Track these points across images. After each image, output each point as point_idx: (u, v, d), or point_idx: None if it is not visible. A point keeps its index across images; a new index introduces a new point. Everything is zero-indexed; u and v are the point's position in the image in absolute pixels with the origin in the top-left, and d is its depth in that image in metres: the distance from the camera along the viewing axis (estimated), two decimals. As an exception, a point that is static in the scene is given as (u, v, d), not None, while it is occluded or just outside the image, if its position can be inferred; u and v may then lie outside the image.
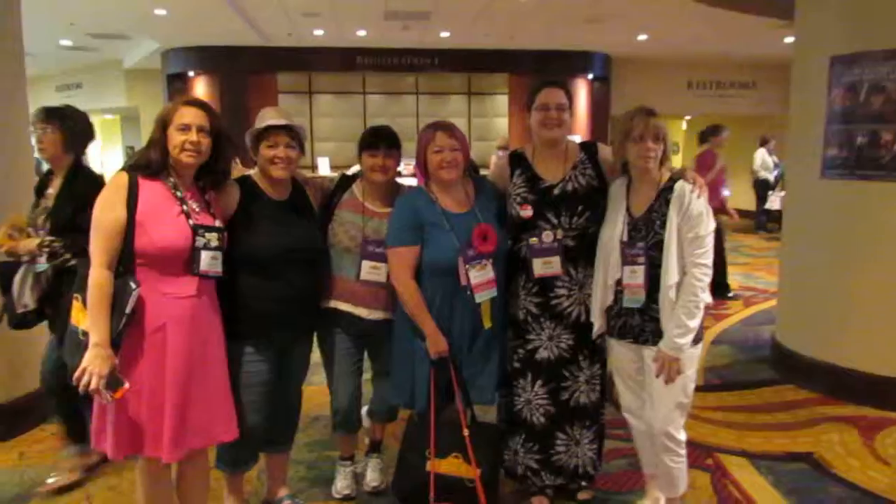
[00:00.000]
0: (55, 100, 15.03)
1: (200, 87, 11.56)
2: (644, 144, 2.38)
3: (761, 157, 11.23)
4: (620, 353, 2.58)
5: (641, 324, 2.46)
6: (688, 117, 14.93)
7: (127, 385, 2.07)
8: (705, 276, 2.36)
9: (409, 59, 11.81)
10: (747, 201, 11.73)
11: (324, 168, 10.48)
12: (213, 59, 11.31)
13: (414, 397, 2.62)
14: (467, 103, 13.89)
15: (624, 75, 12.43)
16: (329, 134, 13.29)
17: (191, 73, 11.55)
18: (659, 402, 2.44)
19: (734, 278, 7.25)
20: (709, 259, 2.37)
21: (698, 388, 3.35)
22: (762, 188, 11.24)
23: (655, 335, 2.43)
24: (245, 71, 11.36)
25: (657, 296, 2.40)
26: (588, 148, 2.69)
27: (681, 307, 2.35)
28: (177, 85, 11.60)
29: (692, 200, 2.37)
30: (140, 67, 12.40)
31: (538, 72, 11.13)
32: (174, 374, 2.15)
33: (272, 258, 2.42)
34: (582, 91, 12.20)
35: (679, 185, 2.41)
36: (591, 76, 12.21)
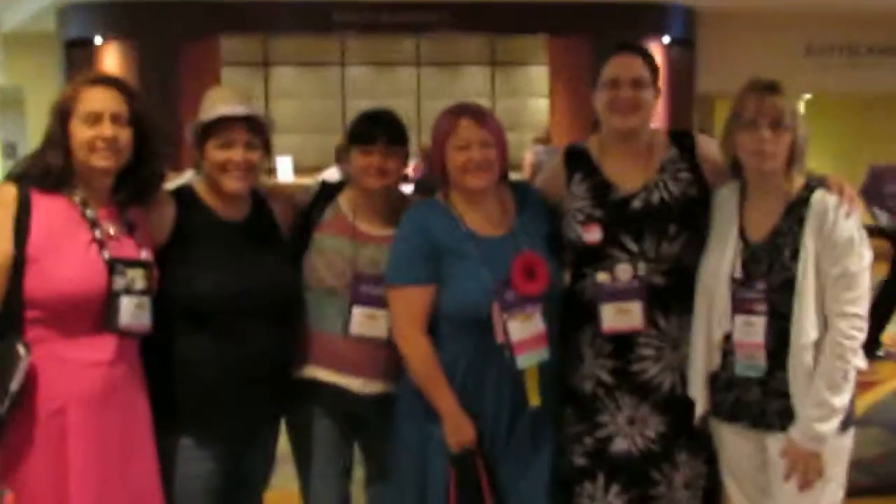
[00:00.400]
0: None
1: (111, 59, 11.72)
2: (757, 133, 2.35)
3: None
4: (733, 444, 2.53)
5: (762, 400, 2.41)
6: (807, 96, 14.95)
7: (11, 495, 2.07)
8: (858, 331, 2.32)
9: (408, 16, 11.94)
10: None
11: (285, 172, 10.53)
12: (130, 18, 11.49)
13: (425, 511, 2.57)
14: (490, 78, 14.03)
15: (714, 37, 12.50)
16: (292, 122, 13.39)
17: (98, 40, 11.73)
18: None
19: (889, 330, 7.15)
20: (863, 307, 2.34)
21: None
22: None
23: (783, 417, 2.38)
24: (175, 35, 11.52)
25: (785, 360, 2.36)
26: (681, 141, 2.68)
27: (822, 378, 2.31)
28: (79, 56, 11.75)
29: (838, 220, 2.33)
30: (25, 31, 12.57)
31: (590, 33, 11.19)
32: (81, 480, 2.14)
33: (221, 307, 2.41)
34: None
35: (818, 196, 2.38)
36: (666, 39, 12.27)
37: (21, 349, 2.07)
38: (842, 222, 2.33)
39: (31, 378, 2.10)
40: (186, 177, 2.70)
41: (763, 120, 2.35)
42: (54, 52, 12.16)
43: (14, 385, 2.05)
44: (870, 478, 4.18)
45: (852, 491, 3.05)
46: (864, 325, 2.34)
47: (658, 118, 11.98)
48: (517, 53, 13.69)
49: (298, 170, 10.56)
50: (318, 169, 8.56)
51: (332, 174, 8.54)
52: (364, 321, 2.59)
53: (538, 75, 13.58)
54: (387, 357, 2.60)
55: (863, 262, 2.34)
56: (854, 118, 14.91)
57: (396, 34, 12.48)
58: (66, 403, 2.14)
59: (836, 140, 14.59)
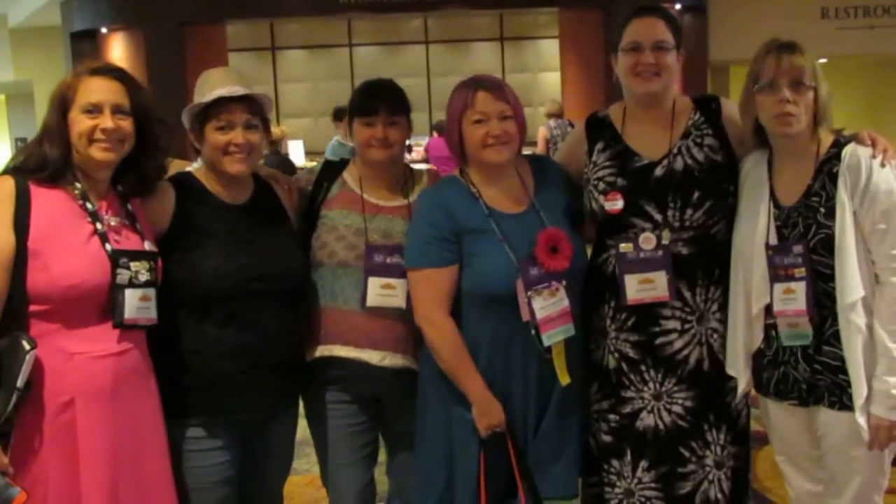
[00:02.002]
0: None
1: (118, 49, 11.72)
2: (778, 94, 2.30)
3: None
4: (782, 420, 2.50)
5: (811, 375, 2.36)
6: (823, 60, 14.74)
7: (24, 495, 2.04)
8: None
9: (415, -6, 11.86)
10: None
11: (296, 155, 10.50)
12: (135, 7, 11.45)
13: (453, 495, 2.56)
14: (500, 53, 13.98)
15: (727, 3, 12.34)
16: (302, 106, 13.43)
17: (103, 30, 11.74)
18: (848, 485, 2.37)
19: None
20: None
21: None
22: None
23: (833, 392, 2.33)
24: (180, 22, 11.46)
25: (831, 330, 2.31)
26: (706, 106, 2.63)
27: (886, 333, 2.25)
28: (85, 47, 11.75)
29: (873, 171, 2.28)
30: (32, 25, 12.60)
31: (601, 4, 11.06)
32: (92, 474, 2.13)
33: (227, 292, 2.38)
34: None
35: (850, 150, 2.32)
36: (678, 6, 12.13)
37: (26, 344, 2.06)
38: (878, 173, 2.28)
39: (37, 373, 2.08)
40: (195, 166, 2.66)
41: (783, 80, 2.30)
42: (61, 44, 12.15)
43: (21, 380, 2.03)
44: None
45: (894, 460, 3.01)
46: None
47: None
48: (527, 28, 13.61)
49: (309, 153, 10.52)
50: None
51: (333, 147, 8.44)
52: (380, 292, 2.56)
53: (549, 49, 13.46)
54: (405, 330, 2.58)
55: None
56: (872, 81, 14.75)
57: (404, 13, 12.40)
58: (74, 397, 2.13)
59: (854, 104, 14.43)
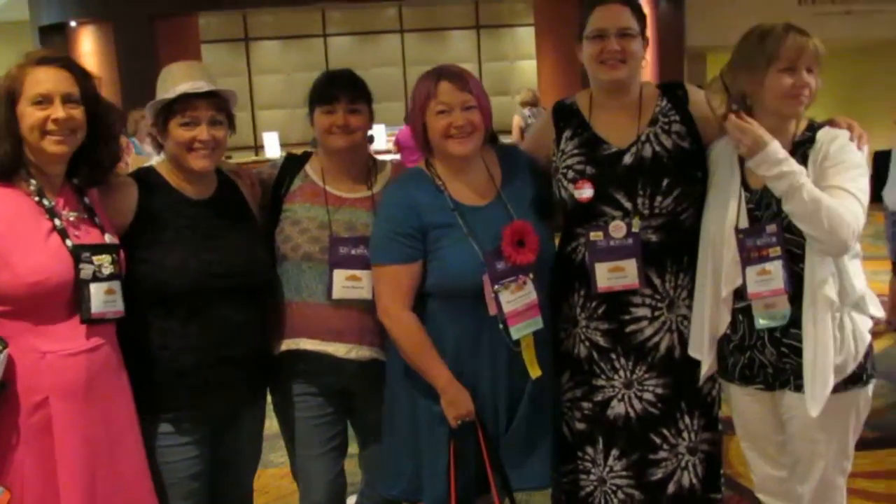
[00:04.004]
0: None
1: (87, 43, 11.66)
2: (798, 77, 2.29)
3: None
4: (747, 405, 2.51)
5: (778, 359, 2.37)
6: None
7: (7, 494, 2.07)
8: (854, 216, 2.22)
9: (388, -18, 11.83)
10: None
11: (272, 148, 10.48)
12: (104, 0, 11.32)
13: (420, 485, 2.56)
14: (475, 42, 13.94)
15: (702, -11, 12.34)
16: (276, 98, 13.33)
17: (72, 23, 11.64)
18: (812, 469, 2.38)
19: (874, 278, 7.12)
20: (864, 199, 2.26)
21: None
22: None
23: (800, 374, 2.32)
24: (151, 14, 11.41)
25: (801, 313, 2.30)
26: (672, 93, 2.62)
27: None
28: (54, 41, 11.67)
29: (846, 145, 2.30)
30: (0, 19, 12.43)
31: (576, -11, 11.07)
32: (69, 472, 2.14)
33: (190, 288, 2.37)
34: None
35: (823, 133, 2.34)
36: (654, -8, 12.15)
37: None
38: (848, 149, 2.29)
39: (10, 372, 2.08)
40: (156, 160, 2.64)
41: (803, 64, 2.30)
42: (30, 39, 12.03)
43: None
44: (878, 431, 4.16)
45: (858, 444, 3.05)
46: (862, 218, 2.24)
47: (647, 73, 11.87)
48: (502, 15, 13.59)
49: (285, 145, 10.47)
50: (306, 144, 8.48)
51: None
52: (346, 284, 2.56)
53: (524, 37, 13.47)
54: (372, 322, 2.57)
55: (865, 181, 2.27)
56: (850, 67, 14.82)
57: (378, 2, 12.37)
58: (48, 396, 2.12)
59: (832, 90, 14.49)
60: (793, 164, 2.23)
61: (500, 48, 13.83)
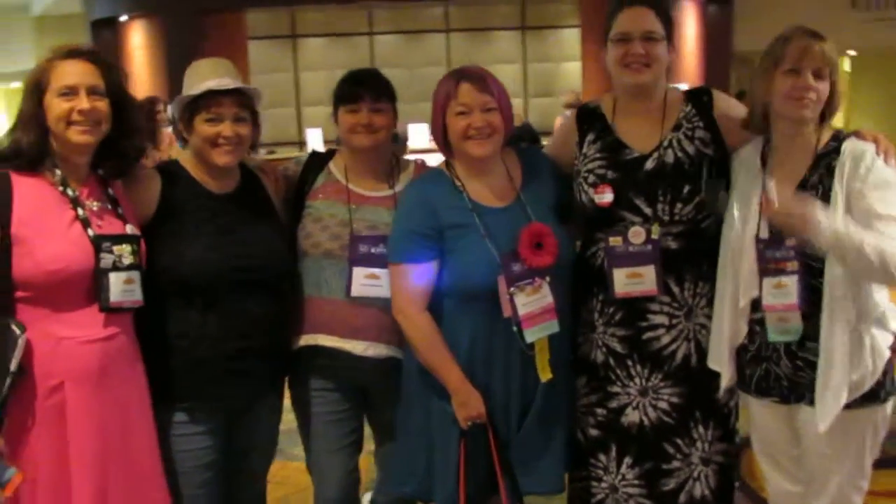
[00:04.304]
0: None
1: (138, 37, 11.85)
2: (801, 79, 2.27)
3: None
4: (763, 418, 2.49)
5: (793, 372, 2.34)
6: (852, 52, 14.58)
7: (20, 475, 2.09)
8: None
9: (435, -19, 11.86)
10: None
11: (315, 143, 10.55)
12: (155, -6, 11.53)
13: (432, 484, 2.57)
14: (521, 43, 13.89)
15: (752, -8, 12.20)
16: (322, 95, 13.29)
17: (123, 17, 11.83)
18: (826, 486, 2.35)
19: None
20: None
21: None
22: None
23: (814, 390, 2.29)
24: (200, 10, 11.55)
25: (818, 326, 2.27)
26: (697, 98, 2.61)
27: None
28: (106, 35, 11.90)
29: (874, 164, 2.25)
30: (55, 13, 12.70)
31: (623, -9, 11.00)
32: (81, 455, 2.18)
33: (210, 280, 2.40)
34: (689, 17, 12.09)
35: (850, 145, 2.30)
36: (702, -5, 12.05)
37: (16, 329, 2.09)
38: (879, 166, 2.25)
39: (28, 357, 2.12)
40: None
41: (807, 66, 2.27)
42: (83, 32, 12.27)
43: (13, 364, 2.07)
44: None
45: (881, 463, 3.01)
46: None
47: (693, 78, 11.79)
48: (548, 17, 13.51)
49: (329, 141, 10.54)
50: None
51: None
52: (364, 282, 2.57)
53: (570, 39, 13.40)
54: (390, 320, 2.57)
55: None
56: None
57: (424, 1, 12.39)
58: (63, 381, 2.17)
59: (883, 97, 14.23)
60: (849, 226, 2.19)
61: (546, 49, 13.74)
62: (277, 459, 3.79)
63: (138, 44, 11.69)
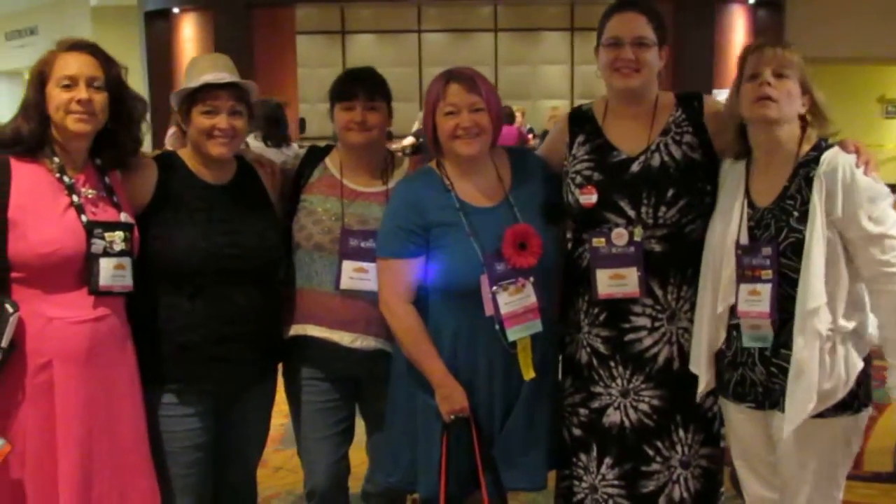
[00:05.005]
0: (5, 50, 16.00)
1: (188, 29, 11.98)
2: (760, 80, 2.29)
3: None
4: (739, 423, 2.48)
5: (767, 378, 2.34)
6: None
7: (8, 446, 2.15)
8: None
9: (484, -19, 11.86)
10: None
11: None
12: (207, -12, 11.69)
13: (416, 477, 2.59)
14: (569, 44, 13.81)
15: (807, -1, 11.98)
16: (370, 91, 13.42)
17: (175, 10, 12.01)
18: (798, 494, 2.35)
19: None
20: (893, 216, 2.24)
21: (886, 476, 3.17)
22: None
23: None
24: (250, 4, 11.67)
25: (791, 331, 2.27)
26: (688, 103, 2.61)
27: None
28: (158, 27, 12.06)
29: (855, 175, 2.24)
30: (110, 4, 12.94)
31: (672, -7, 10.88)
32: (67, 431, 2.24)
33: (199, 267, 2.46)
34: (738, 21, 11.90)
35: (829, 154, 2.29)
36: (752, 0, 11.87)
37: (9, 307, 2.15)
38: (860, 180, 2.24)
39: (19, 335, 2.18)
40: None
41: (765, 69, 2.29)
42: (136, 23, 12.48)
43: (4, 341, 2.13)
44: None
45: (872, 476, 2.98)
46: None
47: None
48: (597, 18, 13.35)
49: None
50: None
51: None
52: (353, 275, 2.61)
53: (619, 41, 13.28)
54: (377, 314, 2.60)
55: (890, 209, 2.24)
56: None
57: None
58: (52, 359, 2.22)
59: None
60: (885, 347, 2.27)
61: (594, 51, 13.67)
62: (288, 448, 3.88)
63: (189, 36, 11.84)
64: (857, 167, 2.25)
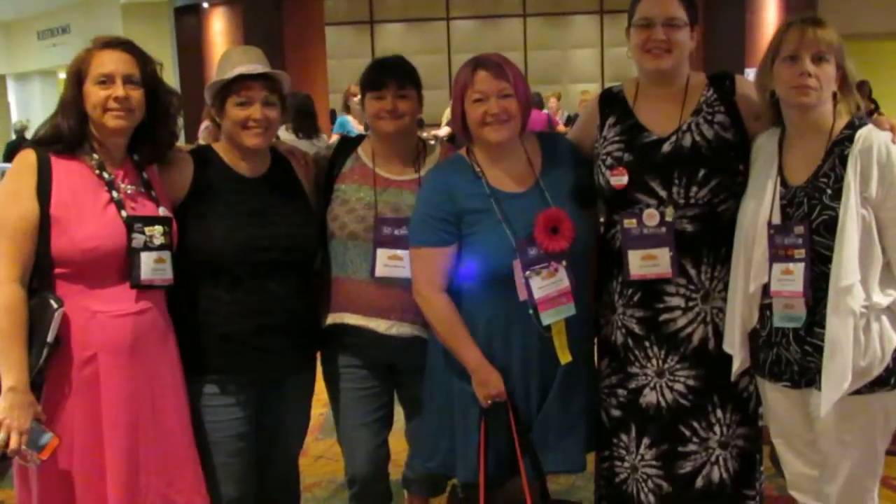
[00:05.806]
0: (38, 49, 16.22)
1: (218, 23, 12.07)
2: (799, 66, 2.27)
3: None
4: (776, 401, 2.48)
5: (802, 357, 2.33)
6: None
7: (56, 440, 2.19)
8: None
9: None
10: None
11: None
12: (235, -18, 11.76)
13: (454, 463, 2.61)
14: (598, 27, 13.72)
15: (838, -27, 11.80)
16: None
17: (205, 4, 12.09)
18: (838, 470, 2.35)
19: None
20: None
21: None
22: None
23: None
24: (278, -4, 11.71)
25: (825, 309, 2.26)
26: (719, 83, 2.60)
27: None
28: (188, 21, 12.16)
29: (891, 154, 2.23)
30: (141, 0, 13.04)
31: (702, -26, 10.79)
32: (113, 422, 2.29)
33: (236, 258, 2.50)
34: (770, 5, 11.71)
35: (864, 132, 2.27)
36: (785, -24, 11.72)
37: (54, 302, 2.19)
38: (895, 155, 2.23)
39: (65, 329, 2.22)
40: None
41: (805, 53, 2.27)
42: (167, 19, 12.59)
43: (51, 336, 2.17)
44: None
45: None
46: None
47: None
48: (627, 1, 13.33)
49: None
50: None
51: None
52: (388, 263, 2.63)
53: (650, 23, 13.18)
54: (413, 301, 2.62)
55: None
56: None
57: (501, -15, 12.39)
58: (97, 352, 2.27)
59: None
60: None
61: (624, 34, 13.57)
62: (329, 437, 3.91)
63: (219, 30, 11.93)
64: (892, 144, 2.24)
